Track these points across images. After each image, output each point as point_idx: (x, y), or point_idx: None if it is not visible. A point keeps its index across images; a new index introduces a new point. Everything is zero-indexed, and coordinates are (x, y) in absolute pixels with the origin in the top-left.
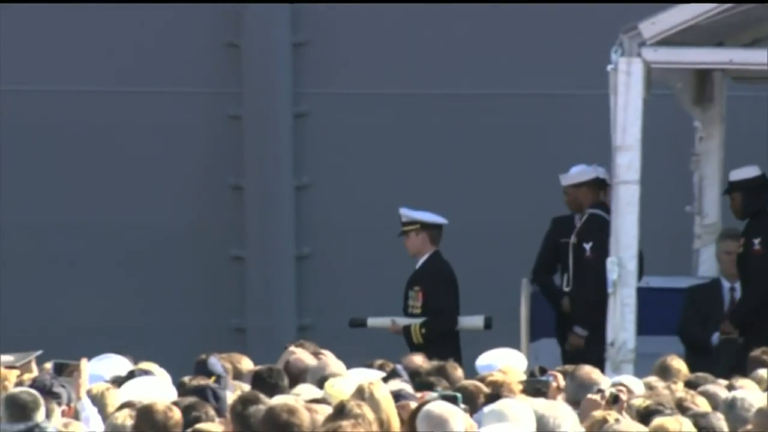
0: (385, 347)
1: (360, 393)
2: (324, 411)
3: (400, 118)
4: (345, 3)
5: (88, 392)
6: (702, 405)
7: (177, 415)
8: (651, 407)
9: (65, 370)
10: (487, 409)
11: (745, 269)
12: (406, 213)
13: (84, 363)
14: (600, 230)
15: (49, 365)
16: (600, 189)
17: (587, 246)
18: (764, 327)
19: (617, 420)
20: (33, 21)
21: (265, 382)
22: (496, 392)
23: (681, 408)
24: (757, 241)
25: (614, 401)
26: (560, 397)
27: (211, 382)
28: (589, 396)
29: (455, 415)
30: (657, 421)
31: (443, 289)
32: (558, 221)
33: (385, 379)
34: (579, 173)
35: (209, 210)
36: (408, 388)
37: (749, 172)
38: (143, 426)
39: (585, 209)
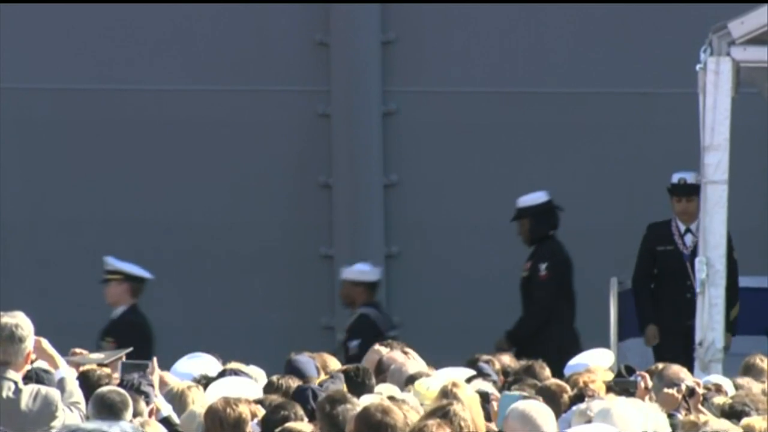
0: (474, 347)
1: (444, 394)
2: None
3: (489, 116)
4: (434, 3)
5: (170, 390)
6: None
7: (241, 410)
8: (735, 405)
9: (134, 370)
10: (595, 407)
11: (529, 293)
12: (111, 262)
13: (154, 362)
14: None
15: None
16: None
17: None
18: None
19: (706, 423)
20: (125, 18)
21: (353, 381)
22: (581, 392)
23: None
24: (543, 266)
25: (690, 395)
26: (647, 398)
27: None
28: (666, 390)
29: (546, 414)
30: (746, 420)
31: (137, 342)
32: (653, 227)
33: (469, 380)
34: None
35: (299, 208)
36: (490, 387)
37: (537, 198)
38: (208, 422)
39: None
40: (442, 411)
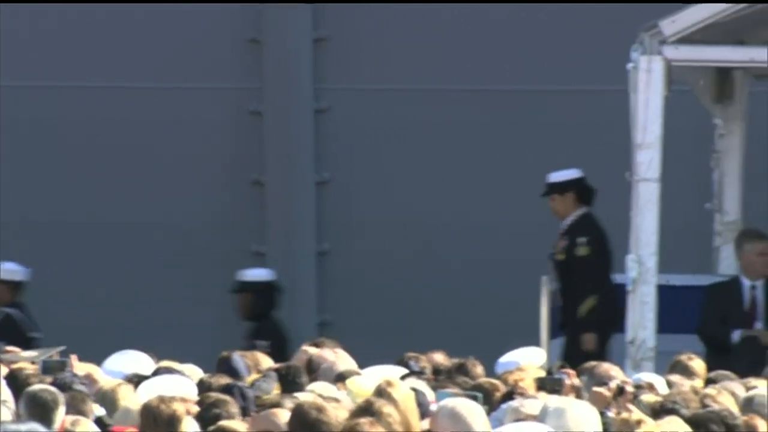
0: (406, 344)
1: (379, 392)
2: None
3: (421, 113)
4: (366, 2)
5: (99, 389)
6: (728, 403)
7: (175, 407)
8: (665, 404)
9: (54, 368)
10: (529, 406)
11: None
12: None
13: (73, 359)
14: None
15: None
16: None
17: None
18: None
19: (640, 422)
20: (53, 16)
21: (284, 380)
22: (512, 390)
23: (704, 406)
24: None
25: (620, 393)
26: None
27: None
28: (595, 389)
29: (477, 412)
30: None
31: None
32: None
33: (403, 377)
34: None
35: (230, 206)
36: (424, 386)
37: (260, 274)
38: (143, 419)
39: None
40: (368, 409)
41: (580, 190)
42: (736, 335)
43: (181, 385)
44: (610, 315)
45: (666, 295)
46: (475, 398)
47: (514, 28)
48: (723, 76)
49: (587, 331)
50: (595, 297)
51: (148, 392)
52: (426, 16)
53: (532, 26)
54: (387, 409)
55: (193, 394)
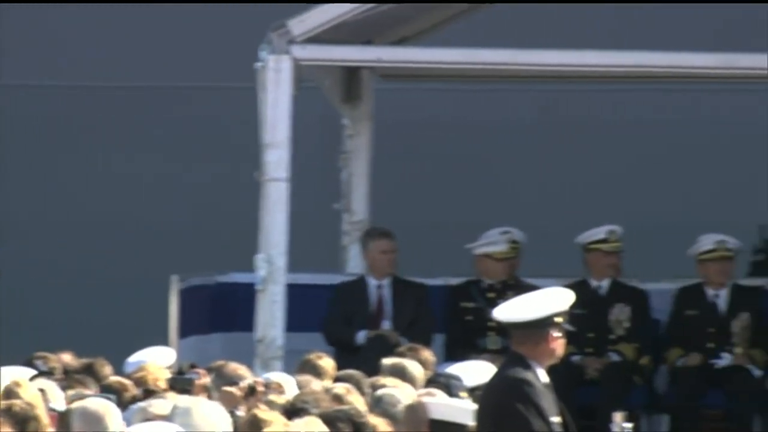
0: (34, 344)
1: (7, 393)
2: None
3: (69, 110)
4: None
5: None
6: (356, 401)
7: None
8: (296, 403)
9: None
10: (157, 405)
11: None
12: None
13: None
14: None
15: None
16: None
17: None
18: None
19: (267, 422)
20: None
21: None
22: (143, 390)
23: (334, 405)
24: None
25: (250, 392)
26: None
27: None
28: (225, 388)
29: (112, 412)
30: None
31: None
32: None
33: (32, 378)
34: None
35: None
36: (53, 386)
37: None
38: None
39: None
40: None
41: None
42: (362, 336)
43: None
44: None
45: (295, 293)
46: (108, 398)
47: (143, 24)
48: (351, 75)
49: None
50: None
51: None
52: (54, 13)
53: (162, 23)
54: (16, 408)
55: None
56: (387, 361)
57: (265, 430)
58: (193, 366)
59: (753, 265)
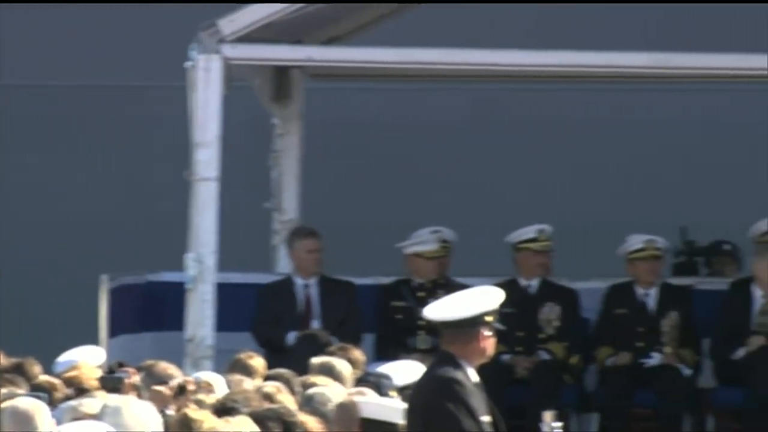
0: None
1: None
2: None
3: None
4: None
5: None
6: (286, 401)
7: None
8: (226, 402)
9: None
10: (87, 404)
11: None
12: None
13: None
14: None
15: None
16: None
17: None
18: None
19: (198, 422)
20: None
21: None
22: (73, 389)
23: (264, 404)
24: None
25: (180, 392)
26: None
27: None
28: (155, 387)
29: (42, 411)
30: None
31: None
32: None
33: None
34: None
35: None
36: None
37: None
38: None
39: None
40: None
41: None
42: (292, 337)
43: None
44: None
45: (225, 293)
46: (39, 397)
47: (76, 24)
48: (281, 75)
49: None
50: None
51: None
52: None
53: (91, 22)
54: None
55: None
56: (315, 360)
57: (197, 429)
58: (121, 365)
59: (675, 267)
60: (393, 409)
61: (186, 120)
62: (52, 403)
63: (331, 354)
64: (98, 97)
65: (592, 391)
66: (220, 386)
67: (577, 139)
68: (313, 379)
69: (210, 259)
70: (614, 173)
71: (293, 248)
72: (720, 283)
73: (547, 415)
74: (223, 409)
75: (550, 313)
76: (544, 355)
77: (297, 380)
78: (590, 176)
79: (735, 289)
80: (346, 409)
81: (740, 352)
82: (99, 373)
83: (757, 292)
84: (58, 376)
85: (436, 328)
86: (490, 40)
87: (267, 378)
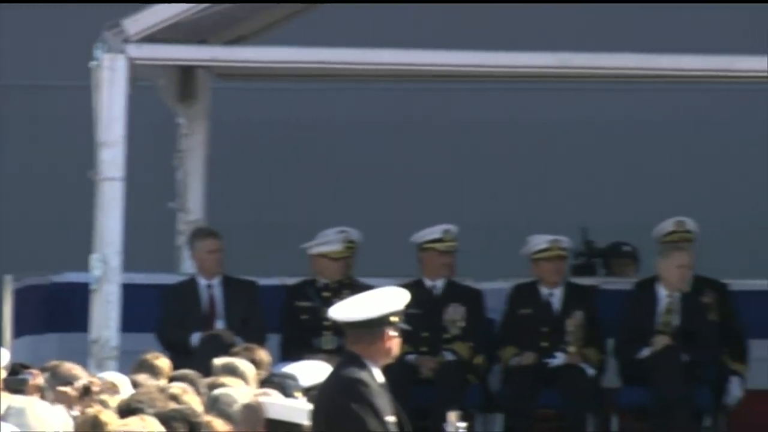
0: None
1: None
2: None
3: None
4: None
5: None
6: (192, 401)
7: None
8: (131, 403)
9: None
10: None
11: None
12: None
13: None
14: None
15: None
16: None
17: None
18: None
19: (104, 423)
20: None
21: None
22: None
23: (171, 405)
24: None
25: (86, 392)
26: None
27: None
28: (59, 388)
29: None
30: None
31: None
32: None
33: None
34: None
35: None
36: None
37: None
38: None
39: None
40: None
41: None
42: (196, 338)
43: None
44: None
45: (129, 293)
46: None
47: None
48: (186, 75)
49: None
50: None
51: None
52: None
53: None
54: None
55: None
56: (218, 360)
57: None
58: (24, 366)
59: (574, 268)
60: (298, 410)
61: (91, 119)
62: None
63: (236, 354)
64: (2, 96)
65: (497, 391)
66: (124, 387)
67: (481, 139)
68: (220, 380)
69: (115, 260)
70: (517, 174)
71: (194, 249)
72: (625, 283)
73: (452, 416)
74: (127, 410)
75: (454, 314)
76: (449, 356)
77: (203, 381)
78: (494, 176)
79: (640, 288)
80: (252, 410)
81: (645, 352)
82: (2, 374)
83: (662, 292)
84: None
85: (341, 329)
86: (396, 40)
87: (172, 379)
